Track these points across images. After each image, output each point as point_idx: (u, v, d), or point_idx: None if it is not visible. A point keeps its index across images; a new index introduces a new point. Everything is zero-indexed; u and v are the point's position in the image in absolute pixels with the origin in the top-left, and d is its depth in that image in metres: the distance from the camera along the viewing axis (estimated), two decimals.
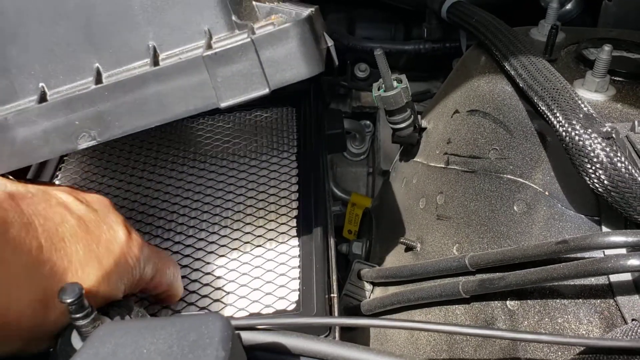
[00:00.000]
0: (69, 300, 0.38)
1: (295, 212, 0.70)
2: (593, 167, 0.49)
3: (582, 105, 0.51)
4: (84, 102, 0.45)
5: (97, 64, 0.46)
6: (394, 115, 0.71)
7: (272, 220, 0.70)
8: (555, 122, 0.52)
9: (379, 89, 0.70)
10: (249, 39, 0.45)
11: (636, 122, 0.54)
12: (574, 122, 0.50)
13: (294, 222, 0.69)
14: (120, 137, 0.84)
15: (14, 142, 0.44)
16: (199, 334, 0.35)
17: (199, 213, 0.72)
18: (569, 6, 0.87)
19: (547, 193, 0.58)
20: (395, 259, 0.76)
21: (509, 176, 0.61)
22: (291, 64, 0.44)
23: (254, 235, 0.68)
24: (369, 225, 0.95)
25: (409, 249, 0.72)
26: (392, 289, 0.73)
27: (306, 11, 0.48)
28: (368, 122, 1.24)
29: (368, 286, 0.80)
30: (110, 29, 0.46)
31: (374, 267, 0.79)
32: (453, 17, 0.81)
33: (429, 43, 1.00)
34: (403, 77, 0.70)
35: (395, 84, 0.69)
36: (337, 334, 0.55)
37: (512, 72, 0.61)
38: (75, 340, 0.41)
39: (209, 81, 0.44)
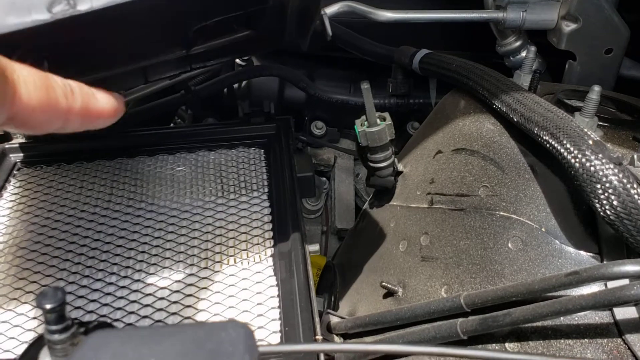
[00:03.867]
0: (49, 307, 0.31)
1: (270, 251, 0.64)
2: (605, 193, 0.47)
3: (589, 133, 0.50)
4: None
5: None
6: (376, 153, 0.68)
7: (245, 259, 0.64)
8: (562, 150, 0.50)
9: (362, 125, 0.67)
10: None
11: (635, 156, 0.54)
12: (584, 147, 0.49)
13: (269, 261, 0.63)
14: (72, 172, 0.77)
15: None
16: (217, 343, 0.29)
17: (161, 251, 0.65)
18: (533, 66, 0.90)
19: (543, 229, 0.56)
20: (372, 307, 0.71)
21: (501, 213, 0.59)
22: None
23: (225, 274, 0.62)
24: (331, 280, 0.90)
25: (389, 294, 0.67)
26: (368, 340, 0.68)
27: None
28: (324, 178, 1.21)
29: (338, 339, 0.74)
30: None
31: (344, 318, 0.73)
32: (428, 66, 0.81)
33: (394, 98, 1.01)
34: (386, 115, 0.68)
35: (378, 121, 0.67)
36: None
37: (504, 108, 0.60)
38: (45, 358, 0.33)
39: None
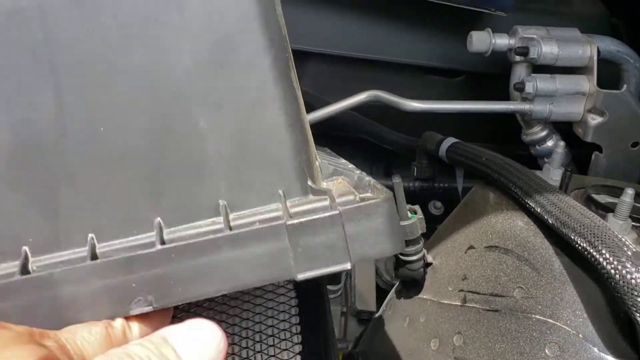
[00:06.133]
0: None
1: (298, 348, 0.63)
2: None
3: (627, 242, 0.50)
4: (145, 263, 0.38)
5: (158, 219, 0.41)
6: (407, 246, 0.68)
7: (272, 356, 0.62)
8: (601, 259, 0.50)
9: None
10: (337, 212, 0.40)
11: None
12: (624, 259, 0.48)
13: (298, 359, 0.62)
14: None
15: (55, 301, 0.37)
16: None
17: None
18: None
19: (580, 336, 0.55)
20: None
21: (537, 316, 0.58)
22: (375, 240, 0.40)
23: None
24: None
25: None
26: None
27: (384, 193, 0.43)
28: None
29: None
30: (179, 179, 0.41)
31: None
32: (455, 156, 0.82)
33: (419, 182, 1.01)
34: (417, 208, 0.68)
35: (409, 214, 0.67)
36: None
37: (538, 209, 0.60)
38: None
39: (289, 251, 0.39)
